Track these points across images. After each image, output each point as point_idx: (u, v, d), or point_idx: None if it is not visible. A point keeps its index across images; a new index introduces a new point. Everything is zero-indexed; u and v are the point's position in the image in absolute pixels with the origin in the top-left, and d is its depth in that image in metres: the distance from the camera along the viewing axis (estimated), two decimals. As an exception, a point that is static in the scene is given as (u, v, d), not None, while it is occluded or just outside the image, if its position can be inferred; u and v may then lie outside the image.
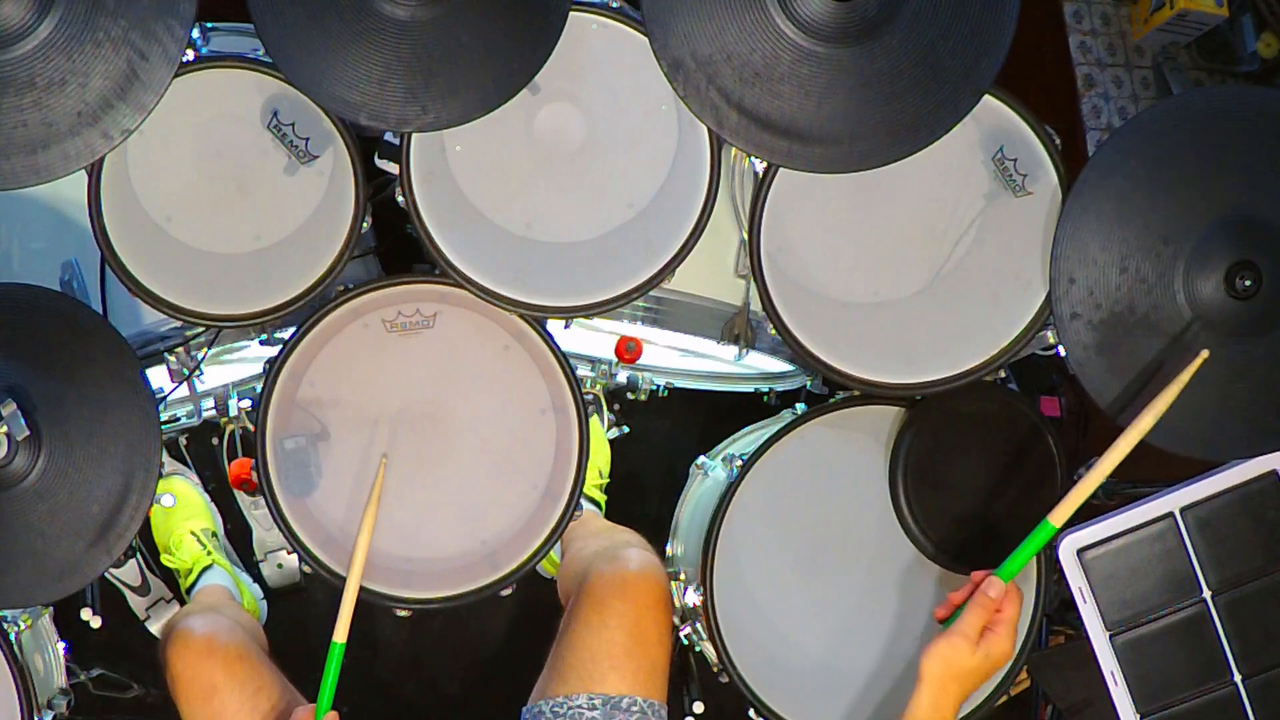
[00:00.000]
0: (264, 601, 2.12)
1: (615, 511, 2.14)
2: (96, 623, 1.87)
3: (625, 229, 1.65)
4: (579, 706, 1.52)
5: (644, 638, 1.56)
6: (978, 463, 1.69)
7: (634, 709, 1.52)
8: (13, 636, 1.55)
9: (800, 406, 1.81)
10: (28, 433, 1.39)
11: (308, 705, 1.50)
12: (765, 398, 2.18)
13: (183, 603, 2.04)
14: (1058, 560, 1.61)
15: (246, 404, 1.70)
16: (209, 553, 2.03)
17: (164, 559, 2.06)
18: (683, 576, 1.79)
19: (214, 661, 1.56)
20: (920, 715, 1.41)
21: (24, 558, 1.43)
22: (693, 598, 1.72)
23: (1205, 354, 1.46)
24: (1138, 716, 1.60)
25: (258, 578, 2.14)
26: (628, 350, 1.86)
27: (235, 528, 2.16)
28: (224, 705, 1.54)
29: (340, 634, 1.47)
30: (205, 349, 1.69)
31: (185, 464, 2.15)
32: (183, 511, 2.08)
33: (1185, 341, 1.50)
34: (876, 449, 1.73)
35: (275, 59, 1.44)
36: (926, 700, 1.41)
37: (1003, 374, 1.76)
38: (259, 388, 1.62)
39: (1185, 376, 1.45)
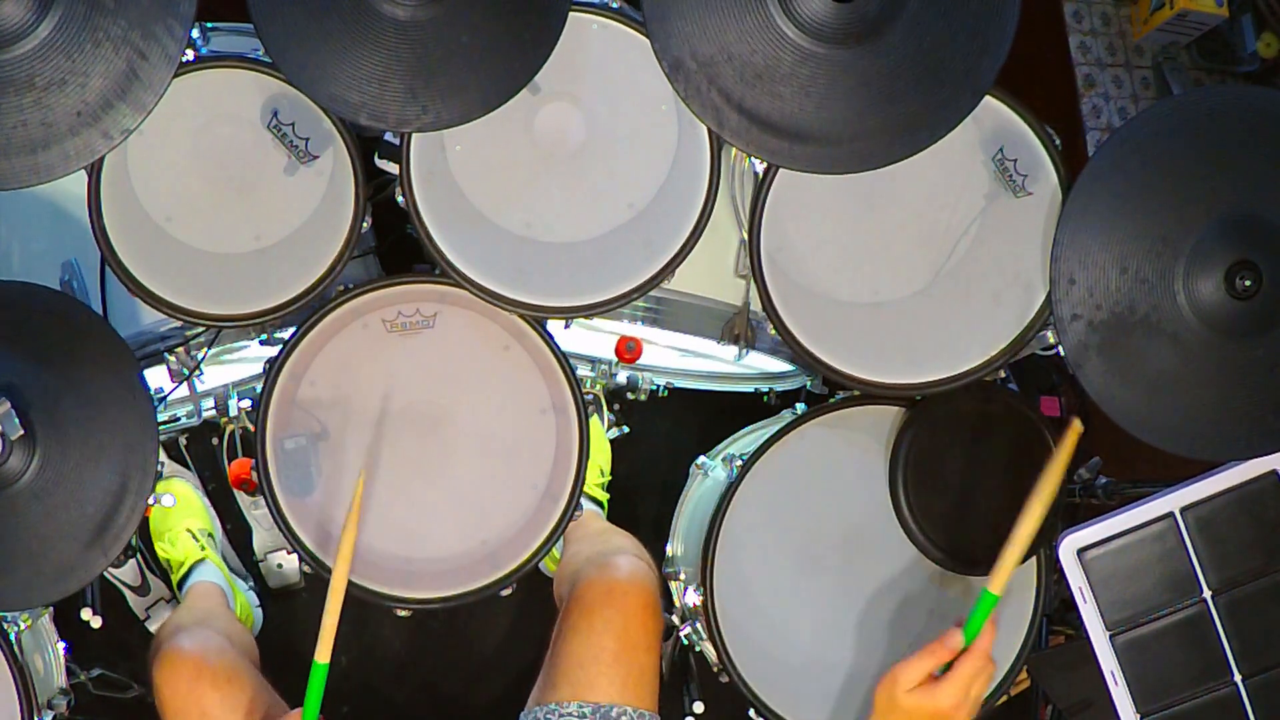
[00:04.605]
0: (259, 609, 2.11)
1: (615, 511, 2.14)
2: (96, 623, 1.86)
3: (625, 229, 1.65)
4: (570, 714, 1.53)
5: (633, 644, 1.56)
6: (978, 463, 1.69)
7: (623, 718, 1.52)
8: (13, 636, 1.55)
9: (800, 406, 1.80)
10: (22, 432, 1.39)
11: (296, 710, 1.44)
12: (765, 398, 2.18)
13: (176, 599, 2.03)
14: (1058, 560, 1.61)
15: (246, 404, 1.70)
16: (202, 548, 2.03)
17: (157, 548, 2.05)
18: (683, 576, 1.79)
19: (204, 684, 1.54)
20: None
21: (21, 559, 1.43)
22: (693, 598, 1.72)
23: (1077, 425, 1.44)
24: (1138, 716, 1.60)
25: (258, 578, 2.14)
26: (628, 350, 1.86)
27: (235, 528, 2.15)
28: None
29: (323, 654, 1.39)
30: (205, 349, 1.69)
31: (185, 464, 2.15)
32: (182, 511, 2.07)
33: (1185, 341, 1.50)
34: (876, 449, 1.73)
35: (275, 59, 1.44)
36: None
37: (1003, 374, 1.76)
38: (259, 388, 1.62)
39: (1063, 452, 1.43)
